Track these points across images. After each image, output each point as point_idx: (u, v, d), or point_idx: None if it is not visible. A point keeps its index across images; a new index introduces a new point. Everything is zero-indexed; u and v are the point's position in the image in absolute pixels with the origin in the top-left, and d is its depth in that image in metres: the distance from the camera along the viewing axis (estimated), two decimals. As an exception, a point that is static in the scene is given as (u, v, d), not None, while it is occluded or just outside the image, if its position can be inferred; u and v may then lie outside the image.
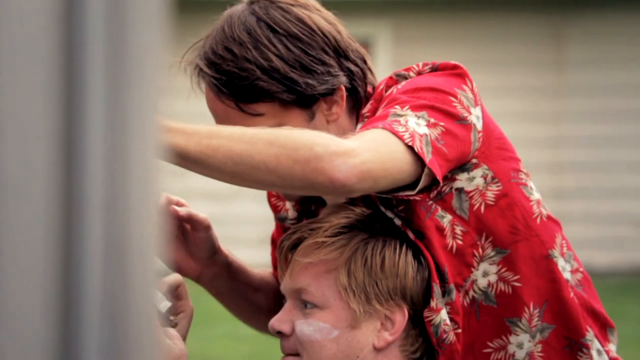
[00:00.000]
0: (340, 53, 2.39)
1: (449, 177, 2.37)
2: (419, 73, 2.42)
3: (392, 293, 2.20)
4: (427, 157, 2.20)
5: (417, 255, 2.28)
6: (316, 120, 2.40)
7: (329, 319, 2.19)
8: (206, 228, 2.48)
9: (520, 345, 2.45)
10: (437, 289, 2.32)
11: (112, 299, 1.07)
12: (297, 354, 2.22)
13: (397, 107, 2.29)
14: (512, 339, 2.44)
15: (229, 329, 10.68)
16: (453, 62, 2.43)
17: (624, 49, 14.15)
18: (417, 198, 2.29)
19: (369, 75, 2.47)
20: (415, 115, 2.27)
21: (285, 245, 2.29)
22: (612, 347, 2.56)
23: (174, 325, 2.28)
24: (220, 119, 2.42)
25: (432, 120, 2.28)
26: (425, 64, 2.43)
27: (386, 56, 13.90)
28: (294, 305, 2.25)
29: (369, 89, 2.48)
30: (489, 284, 2.42)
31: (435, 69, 2.42)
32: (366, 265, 2.20)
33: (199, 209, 2.48)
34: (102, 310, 1.08)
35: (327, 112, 2.41)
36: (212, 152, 2.13)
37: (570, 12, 14.19)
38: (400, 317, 2.22)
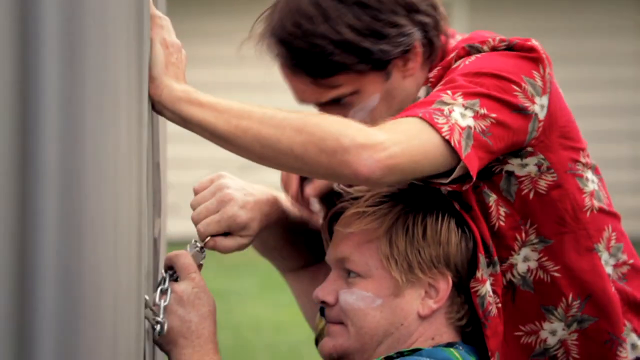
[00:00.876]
0: (410, 8, 2.36)
1: (501, 160, 2.33)
2: (494, 48, 2.37)
3: (435, 261, 2.19)
4: (465, 152, 2.16)
5: (462, 224, 2.26)
6: (392, 78, 2.39)
7: (372, 287, 2.18)
8: None
9: (553, 332, 2.40)
10: (482, 259, 2.29)
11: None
12: (341, 323, 2.21)
13: (448, 92, 2.24)
14: (546, 325, 2.40)
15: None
16: (531, 43, 2.35)
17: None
18: (448, 188, 2.24)
19: (442, 23, 2.43)
20: (464, 105, 2.22)
21: (328, 215, 2.30)
22: None
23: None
24: (298, 92, 2.42)
25: (483, 110, 2.23)
26: (502, 40, 2.37)
27: (461, 24, 13.80)
28: (338, 275, 2.24)
29: (443, 38, 2.44)
30: (528, 270, 2.38)
31: (511, 47, 2.36)
32: (408, 234, 2.19)
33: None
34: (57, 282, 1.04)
35: (403, 68, 2.40)
36: (241, 133, 2.12)
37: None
38: (445, 285, 2.20)
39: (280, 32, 2.36)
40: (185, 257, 2.18)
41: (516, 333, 2.40)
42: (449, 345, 2.17)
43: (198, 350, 2.08)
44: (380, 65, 2.35)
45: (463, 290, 2.22)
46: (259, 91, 13.83)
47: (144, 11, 1.79)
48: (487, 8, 13.72)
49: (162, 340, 2.10)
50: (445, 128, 2.16)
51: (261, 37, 2.41)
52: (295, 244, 2.54)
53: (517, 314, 2.40)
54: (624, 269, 2.46)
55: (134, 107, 1.60)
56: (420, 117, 2.17)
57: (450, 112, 2.19)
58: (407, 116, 2.21)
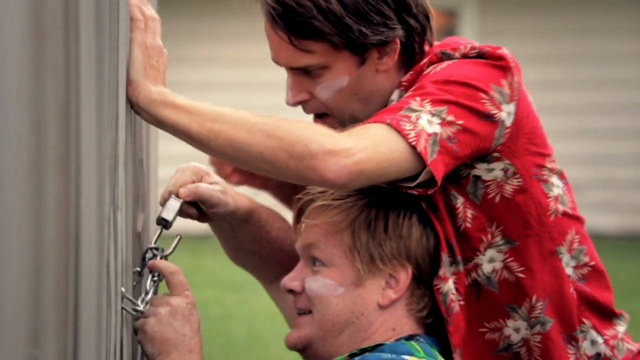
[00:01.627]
0: (402, 6, 2.36)
1: (469, 164, 2.34)
2: (465, 55, 2.38)
3: (395, 253, 2.21)
4: (430, 158, 2.18)
5: (425, 222, 2.28)
6: (365, 67, 2.39)
7: (335, 276, 2.21)
8: None
9: (517, 330, 2.41)
10: (445, 258, 2.31)
11: None
12: (309, 312, 2.23)
13: (417, 99, 2.26)
14: (510, 322, 2.41)
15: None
16: (500, 51, 2.37)
17: None
18: (414, 192, 2.25)
19: (428, 33, 2.44)
20: (431, 112, 2.24)
21: (297, 207, 2.31)
22: (615, 332, 2.50)
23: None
24: (274, 49, 2.43)
25: (450, 117, 2.25)
26: (473, 48, 2.39)
27: (472, 27, 13.76)
28: (304, 264, 2.27)
29: (426, 46, 2.44)
30: (493, 270, 2.38)
31: (481, 55, 2.37)
32: (370, 227, 2.21)
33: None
34: None
35: (378, 61, 2.40)
36: (214, 136, 2.15)
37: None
38: (404, 277, 2.21)
39: None
40: (179, 275, 2.22)
41: (480, 329, 2.41)
42: (410, 337, 2.18)
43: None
44: (356, 46, 2.36)
45: (424, 283, 2.23)
46: (252, 90, 13.87)
47: (106, 10, 1.79)
48: (496, 11, 13.67)
49: (154, 350, 2.14)
50: (412, 134, 2.18)
51: None
52: (272, 252, 2.55)
53: (482, 312, 2.41)
54: (585, 270, 2.47)
55: (93, 106, 1.60)
56: (388, 124, 2.19)
57: (417, 118, 2.21)
58: (374, 122, 2.23)
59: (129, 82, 2.15)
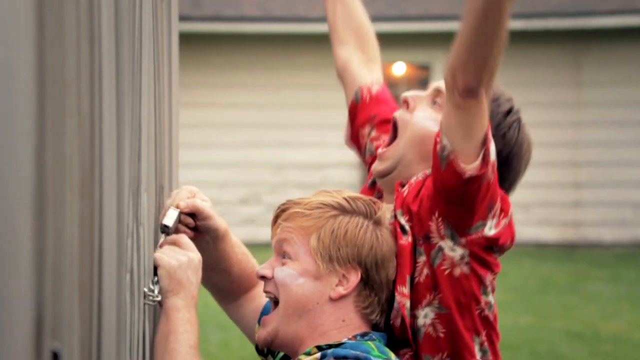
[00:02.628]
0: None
1: (441, 235, 2.25)
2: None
3: (350, 258, 2.17)
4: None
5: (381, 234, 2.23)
6: None
7: (299, 268, 2.17)
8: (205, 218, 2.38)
9: None
10: (408, 278, 2.25)
11: None
12: (275, 298, 2.20)
13: None
14: None
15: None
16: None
17: (632, 72, 13.99)
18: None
19: None
20: None
21: (276, 212, 2.27)
22: None
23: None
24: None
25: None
26: None
27: (440, 78, 13.79)
28: (275, 257, 2.23)
29: None
30: (424, 324, 2.28)
31: None
32: (332, 233, 2.17)
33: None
34: None
35: None
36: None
37: (587, 42, 14.02)
38: (354, 278, 2.17)
39: None
40: (185, 237, 2.26)
41: None
42: (365, 335, 2.15)
43: (188, 304, 2.15)
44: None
45: (370, 286, 2.19)
46: (259, 128, 13.89)
47: (126, 63, 1.77)
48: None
49: (169, 287, 2.15)
50: None
51: None
52: (238, 272, 2.48)
53: (404, 351, 2.29)
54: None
55: (114, 142, 1.58)
56: None
57: None
58: None
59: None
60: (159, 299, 2.17)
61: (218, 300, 2.57)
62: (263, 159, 14.01)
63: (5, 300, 0.84)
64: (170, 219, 2.32)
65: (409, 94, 2.43)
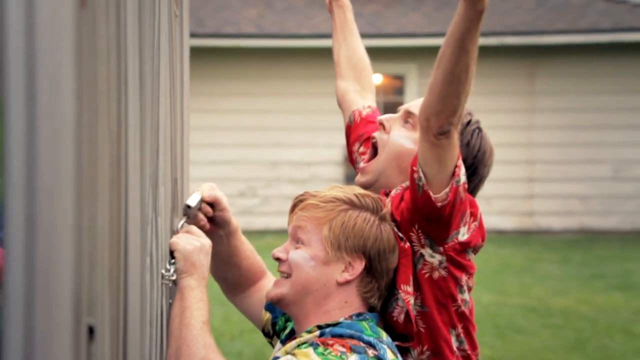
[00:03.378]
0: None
1: (421, 244, 2.23)
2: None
3: (356, 248, 2.13)
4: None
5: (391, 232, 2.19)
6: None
7: (310, 253, 2.14)
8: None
9: None
10: (411, 279, 2.23)
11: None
12: (288, 276, 2.17)
13: None
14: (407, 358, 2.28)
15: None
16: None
17: (581, 82, 14.01)
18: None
19: None
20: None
21: (294, 202, 2.24)
22: None
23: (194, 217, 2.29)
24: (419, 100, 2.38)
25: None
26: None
27: (413, 88, 13.78)
28: (290, 242, 2.20)
29: None
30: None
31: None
32: (343, 225, 2.14)
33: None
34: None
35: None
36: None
37: (540, 56, 14.04)
38: (359, 266, 2.13)
39: None
40: (196, 227, 2.24)
41: None
42: (360, 315, 2.12)
43: (200, 284, 2.11)
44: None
45: (372, 274, 2.15)
46: (254, 131, 13.89)
47: (148, 73, 1.75)
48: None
49: (184, 268, 2.12)
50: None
51: None
52: (246, 267, 2.46)
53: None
54: (462, 353, 2.31)
55: (137, 141, 1.56)
56: None
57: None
58: None
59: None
60: (174, 278, 2.15)
61: (226, 293, 2.53)
62: (259, 158, 13.99)
63: (51, 282, 0.83)
64: (193, 200, 2.29)
65: (384, 117, 2.43)
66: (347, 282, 2.13)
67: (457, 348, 2.31)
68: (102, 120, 1.19)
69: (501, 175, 13.43)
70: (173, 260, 2.15)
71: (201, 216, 2.34)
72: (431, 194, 2.15)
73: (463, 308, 2.30)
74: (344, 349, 1.93)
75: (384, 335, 2.07)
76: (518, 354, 7.15)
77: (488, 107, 13.34)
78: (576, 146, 14.03)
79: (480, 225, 2.31)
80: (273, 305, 2.34)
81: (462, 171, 2.19)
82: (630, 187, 14.04)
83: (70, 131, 0.89)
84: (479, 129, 2.42)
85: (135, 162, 1.51)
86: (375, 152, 2.43)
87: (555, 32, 13.90)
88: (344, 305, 2.13)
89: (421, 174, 2.16)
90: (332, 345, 1.95)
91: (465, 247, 2.26)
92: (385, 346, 1.99)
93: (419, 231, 2.23)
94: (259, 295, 2.45)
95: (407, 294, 2.23)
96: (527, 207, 14.14)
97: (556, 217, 14.05)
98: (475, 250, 2.31)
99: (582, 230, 13.98)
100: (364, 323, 2.08)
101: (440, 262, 2.24)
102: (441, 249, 2.23)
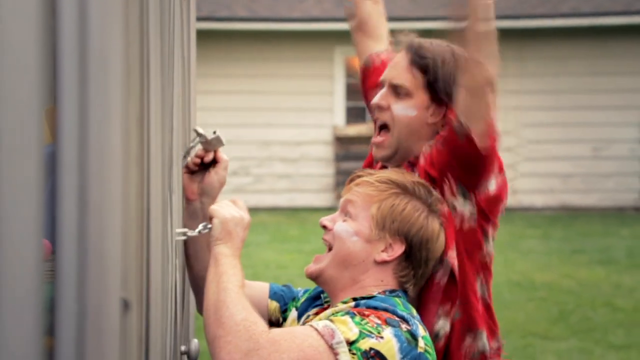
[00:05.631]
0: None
1: (453, 192, 2.25)
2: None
3: (399, 231, 2.10)
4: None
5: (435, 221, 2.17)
6: (427, 113, 2.34)
7: (355, 227, 2.10)
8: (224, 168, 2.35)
9: (444, 326, 2.29)
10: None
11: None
12: (330, 248, 2.13)
13: None
14: (439, 319, 2.29)
15: (297, 246, 10.70)
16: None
17: (563, 65, 14.04)
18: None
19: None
20: None
21: (352, 176, 2.22)
22: (497, 345, 2.38)
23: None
24: (391, 68, 2.39)
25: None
26: None
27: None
28: (339, 214, 2.16)
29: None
30: (444, 273, 2.27)
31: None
32: (391, 208, 2.11)
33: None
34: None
35: (431, 116, 2.35)
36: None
37: (528, 39, 14.04)
38: (399, 249, 2.10)
39: (419, 52, 2.34)
40: (242, 200, 2.18)
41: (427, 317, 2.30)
42: (393, 292, 2.09)
43: (235, 253, 2.02)
44: (435, 95, 2.32)
45: (410, 259, 2.12)
46: (250, 111, 13.87)
47: (166, 57, 1.74)
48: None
49: (220, 235, 2.05)
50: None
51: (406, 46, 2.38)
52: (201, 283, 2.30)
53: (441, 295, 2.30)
54: (483, 300, 2.34)
55: (159, 122, 1.55)
56: None
57: None
58: None
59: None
60: (193, 234, 2.14)
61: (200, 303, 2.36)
62: (251, 137, 13.97)
63: (104, 259, 0.83)
64: (206, 132, 2.24)
65: (376, 100, 2.40)
66: (385, 262, 2.10)
67: (480, 296, 2.33)
68: (133, 102, 1.19)
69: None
70: (209, 225, 2.11)
71: (200, 153, 2.31)
72: (474, 137, 2.16)
73: (487, 258, 2.32)
74: (379, 321, 1.91)
75: (414, 312, 2.06)
76: (504, 327, 7.18)
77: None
78: (557, 126, 14.07)
79: (504, 181, 2.32)
80: (279, 294, 2.30)
81: (497, 120, 2.22)
82: (610, 165, 14.10)
83: (119, 113, 0.88)
84: None
85: (156, 141, 1.50)
86: (381, 129, 2.42)
87: (538, 16, 13.91)
88: (379, 283, 2.10)
89: (463, 121, 2.17)
90: (368, 316, 1.93)
91: (495, 201, 2.28)
92: (417, 322, 1.98)
93: (452, 180, 2.24)
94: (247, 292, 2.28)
95: (453, 259, 2.24)
96: (510, 185, 14.19)
97: (538, 194, 14.10)
98: (501, 202, 2.32)
99: (564, 207, 14.05)
100: (397, 299, 2.05)
101: (471, 213, 2.25)
102: (473, 199, 2.24)
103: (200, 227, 2.15)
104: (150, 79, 1.44)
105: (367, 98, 2.64)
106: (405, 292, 2.13)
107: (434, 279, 2.26)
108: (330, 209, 12.83)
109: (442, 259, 2.23)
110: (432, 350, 1.96)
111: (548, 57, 14.04)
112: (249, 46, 13.87)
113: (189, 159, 2.35)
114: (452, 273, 2.25)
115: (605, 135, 14.06)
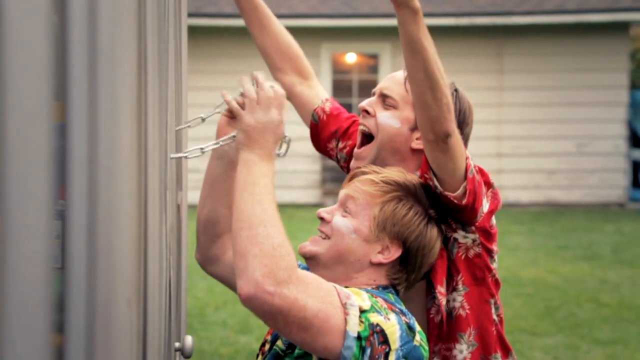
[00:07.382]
0: (460, 121, 2.33)
1: (453, 228, 2.25)
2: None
3: (398, 235, 2.08)
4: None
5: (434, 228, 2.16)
6: (411, 133, 2.33)
7: (355, 224, 2.08)
8: None
9: (461, 351, 2.31)
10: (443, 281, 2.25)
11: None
12: (327, 238, 2.10)
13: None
14: (457, 346, 2.30)
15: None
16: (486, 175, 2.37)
17: (547, 61, 14.08)
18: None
19: None
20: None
21: (354, 172, 2.19)
22: None
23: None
24: (389, 82, 2.38)
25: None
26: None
27: (386, 66, 13.77)
28: (337, 208, 2.14)
29: None
30: (454, 307, 2.29)
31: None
32: (394, 211, 2.09)
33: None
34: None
35: (416, 140, 2.34)
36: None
37: (508, 36, 14.08)
38: (395, 252, 2.08)
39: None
40: (264, 93, 2.09)
41: (435, 348, 2.31)
42: (386, 288, 2.09)
43: (263, 158, 1.92)
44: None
45: (405, 264, 2.11)
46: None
47: (163, 53, 1.73)
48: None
49: (243, 141, 1.95)
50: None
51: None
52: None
53: (440, 333, 2.30)
54: (498, 319, 2.36)
55: (156, 119, 1.55)
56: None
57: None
58: None
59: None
60: (214, 146, 2.14)
61: (205, 255, 2.29)
62: (238, 134, 13.97)
63: (114, 255, 0.82)
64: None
65: (364, 104, 2.40)
66: (380, 264, 2.08)
67: (494, 319, 2.34)
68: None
69: (470, 151, 13.48)
70: (233, 134, 2.01)
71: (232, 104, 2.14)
72: (450, 195, 2.16)
73: (497, 276, 2.33)
74: (385, 305, 1.92)
75: (404, 309, 2.06)
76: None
77: (457, 85, 13.38)
78: (542, 122, 14.12)
79: (495, 193, 2.33)
80: None
81: (471, 160, 2.21)
82: (594, 161, 14.16)
83: (128, 109, 0.88)
84: (456, 90, 2.43)
85: (154, 136, 1.50)
86: (364, 138, 2.40)
87: (522, 13, 13.94)
88: (372, 283, 2.09)
89: (436, 183, 2.17)
90: (376, 297, 1.94)
91: (491, 213, 2.29)
92: (412, 317, 1.98)
93: (448, 219, 2.24)
94: (227, 257, 2.24)
95: (441, 295, 2.24)
96: (495, 181, 14.19)
97: (523, 190, 14.15)
98: (496, 212, 2.34)
99: (548, 203, 14.10)
100: (390, 295, 2.05)
101: (474, 240, 2.25)
102: (473, 227, 2.24)
103: (223, 138, 2.02)
104: (147, 74, 1.44)
105: (327, 153, 2.66)
106: (396, 291, 2.12)
107: (430, 313, 2.28)
108: (317, 205, 12.84)
109: (433, 290, 2.25)
110: (426, 347, 1.97)
111: (533, 54, 14.09)
112: (235, 42, 13.85)
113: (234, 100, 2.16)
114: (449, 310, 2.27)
115: (590, 132, 14.12)
